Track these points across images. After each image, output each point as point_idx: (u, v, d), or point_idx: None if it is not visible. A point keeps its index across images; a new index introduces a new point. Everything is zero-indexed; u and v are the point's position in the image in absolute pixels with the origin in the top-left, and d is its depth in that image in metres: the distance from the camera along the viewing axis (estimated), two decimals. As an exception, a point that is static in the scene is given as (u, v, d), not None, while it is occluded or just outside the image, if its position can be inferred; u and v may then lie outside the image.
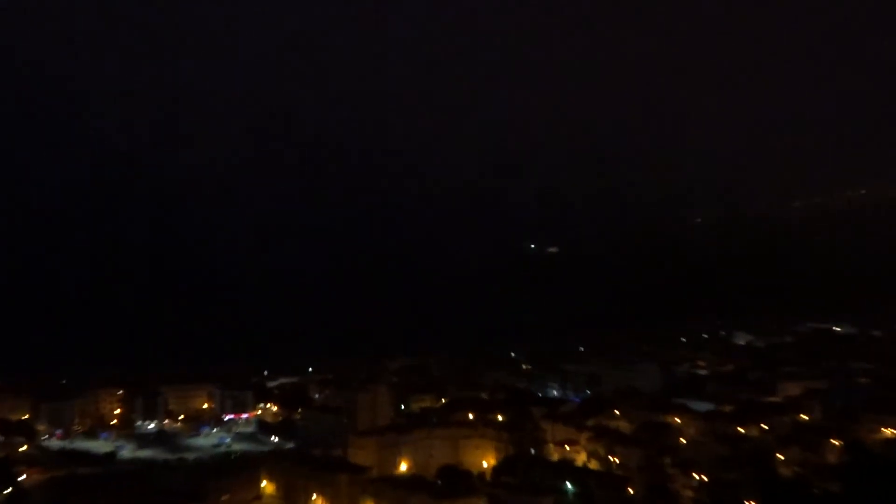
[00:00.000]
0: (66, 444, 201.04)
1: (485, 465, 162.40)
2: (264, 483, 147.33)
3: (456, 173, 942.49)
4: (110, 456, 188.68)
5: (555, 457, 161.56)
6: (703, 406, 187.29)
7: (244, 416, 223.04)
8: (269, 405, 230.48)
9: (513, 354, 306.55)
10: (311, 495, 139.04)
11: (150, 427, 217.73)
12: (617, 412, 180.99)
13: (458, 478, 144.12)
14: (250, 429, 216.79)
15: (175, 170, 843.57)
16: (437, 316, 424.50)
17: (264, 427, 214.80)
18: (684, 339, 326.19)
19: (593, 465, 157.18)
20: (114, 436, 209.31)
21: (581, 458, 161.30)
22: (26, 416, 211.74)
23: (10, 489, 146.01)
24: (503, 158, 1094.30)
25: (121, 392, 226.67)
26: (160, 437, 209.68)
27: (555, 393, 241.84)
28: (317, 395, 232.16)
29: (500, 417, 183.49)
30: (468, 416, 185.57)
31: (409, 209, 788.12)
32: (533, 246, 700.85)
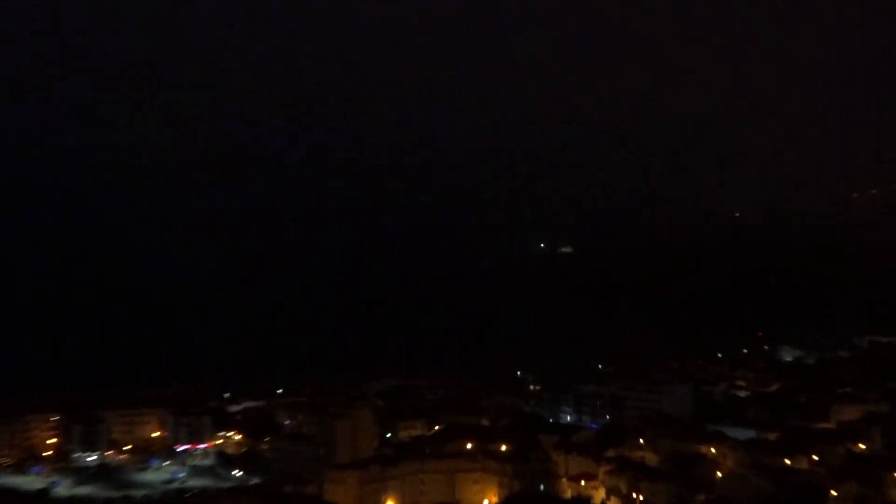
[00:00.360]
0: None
1: (486, 503, 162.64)
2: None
3: (452, 164, 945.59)
4: (43, 494, 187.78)
5: (568, 494, 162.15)
6: (743, 433, 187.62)
7: (201, 446, 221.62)
8: (230, 433, 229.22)
9: (519, 373, 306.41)
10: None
11: (89, 459, 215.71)
12: (642, 441, 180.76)
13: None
14: (208, 461, 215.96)
15: (127, 169, 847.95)
16: (430, 328, 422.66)
17: (225, 459, 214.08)
18: (721, 355, 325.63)
19: (614, 503, 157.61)
20: (47, 470, 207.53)
21: (599, 496, 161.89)
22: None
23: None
24: (506, 146, 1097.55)
25: (56, 418, 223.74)
26: (102, 472, 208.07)
27: (568, 418, 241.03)
28: (287, 422, 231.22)
29: (503, 447, 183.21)
30: (466, 446, 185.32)
31: (395, 203, 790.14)
32: (543, 245, 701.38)
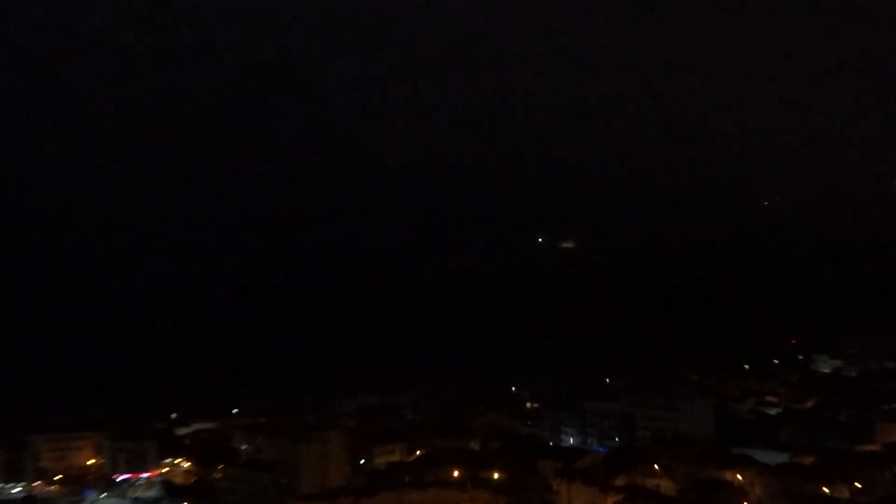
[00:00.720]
0: None
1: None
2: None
3: (439, 149, 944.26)
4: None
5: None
6: (774, 457, 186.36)
7: (144, 475, 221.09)
8: (178, 460, 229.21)
9: (514, 388, 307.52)
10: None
11: (14, 491, 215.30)
12: (656, 467, 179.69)
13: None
14: (153, 492, 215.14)
15: (54, 171, 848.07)
16: (411, 337, 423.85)
17: (172, 490, 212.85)
18: (747, 366, 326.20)
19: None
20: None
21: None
22: None
23: None
24: (501, 129, 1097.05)
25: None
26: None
27: (571, 441, 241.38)
28: (244, 446, 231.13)
29: (496, 475, 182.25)
30: (453, 474, 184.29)
31: (372, 192, 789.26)
32: (541, 240, 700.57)
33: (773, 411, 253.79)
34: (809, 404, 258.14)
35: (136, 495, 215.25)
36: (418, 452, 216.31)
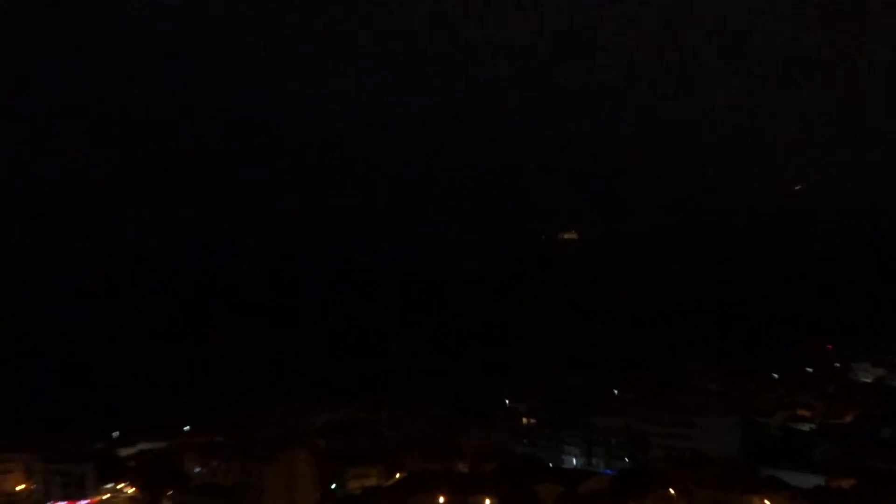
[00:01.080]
0: None
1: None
2: None
3: (426, 132, 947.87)
4: None
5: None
6: (808, 480, 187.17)
7: (82, 502, 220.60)
8: (121, 485, 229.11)
9: (508, 401, 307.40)
10: None
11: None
12: (672, 491, 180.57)
13: None
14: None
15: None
16: (390, 341, 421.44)
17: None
18: (777, 375, 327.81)
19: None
20: None
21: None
22: None
23: None
24: (492, 109, 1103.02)
25: None
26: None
27: (574, 462, 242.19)
28: (198, 469, 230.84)
29: (488, 502, 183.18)
30: (438, 500, 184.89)
31: (351, 183, 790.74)
32: (539, 231, 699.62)
33: (805, 427, 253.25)
34: (848, 419, 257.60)
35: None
36: (398, 475, 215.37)
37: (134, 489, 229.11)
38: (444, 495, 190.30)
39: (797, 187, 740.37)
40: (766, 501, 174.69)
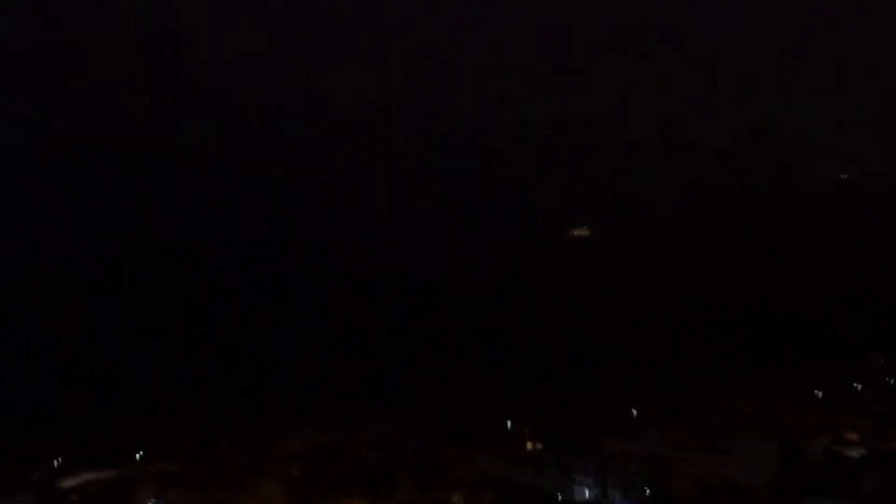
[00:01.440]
0: None
1: None
2: None
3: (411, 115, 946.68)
4: None
5: None
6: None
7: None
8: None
9: (509, 422, 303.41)
10: None
11: None
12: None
13: None
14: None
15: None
16: (375, 352, 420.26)
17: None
18: (820, 393, 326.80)
19: None
20: None
21: None
22: None
23: None
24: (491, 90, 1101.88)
25: None
26: None
27: (587, 493, 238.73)
28: (152, 501, 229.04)
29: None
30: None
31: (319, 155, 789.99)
32: (545, 225, 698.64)
33: (854, 452, 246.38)
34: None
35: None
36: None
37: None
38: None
39: (843, 175, 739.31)
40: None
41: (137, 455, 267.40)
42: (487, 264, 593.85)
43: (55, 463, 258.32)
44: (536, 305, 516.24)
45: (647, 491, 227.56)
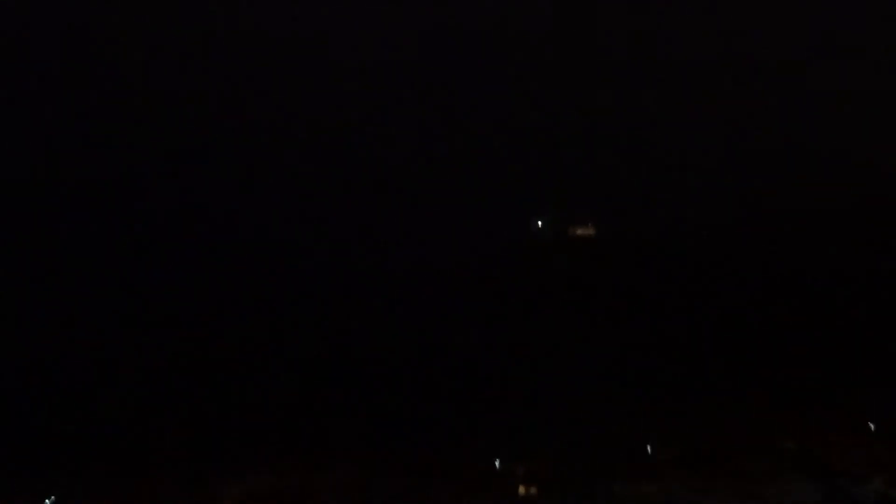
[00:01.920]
0: None
1: None
2: None
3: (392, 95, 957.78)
4: None
5: None
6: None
7: None
8: None
9: (498, 462, 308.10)
10: None
11: None
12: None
13: None
14: None
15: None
16: (337, 377, 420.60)
17: None
18: (873, 426, 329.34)
19: None
20: None
21: None
22: None
23: None
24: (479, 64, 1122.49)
25: None
26: None
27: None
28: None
29: None
30: None
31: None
32: (541, 224, 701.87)
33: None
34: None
35: None
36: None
37: None
38: None
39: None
40: None
41: (47, 501, 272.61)
42: (480, 269, 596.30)
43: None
44: (533, 315, 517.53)
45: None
